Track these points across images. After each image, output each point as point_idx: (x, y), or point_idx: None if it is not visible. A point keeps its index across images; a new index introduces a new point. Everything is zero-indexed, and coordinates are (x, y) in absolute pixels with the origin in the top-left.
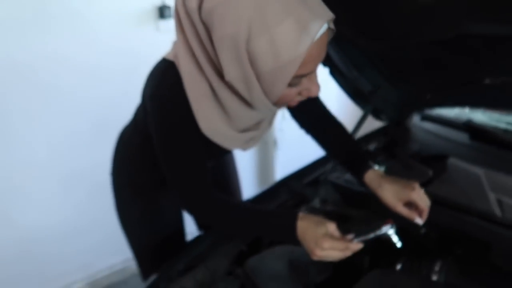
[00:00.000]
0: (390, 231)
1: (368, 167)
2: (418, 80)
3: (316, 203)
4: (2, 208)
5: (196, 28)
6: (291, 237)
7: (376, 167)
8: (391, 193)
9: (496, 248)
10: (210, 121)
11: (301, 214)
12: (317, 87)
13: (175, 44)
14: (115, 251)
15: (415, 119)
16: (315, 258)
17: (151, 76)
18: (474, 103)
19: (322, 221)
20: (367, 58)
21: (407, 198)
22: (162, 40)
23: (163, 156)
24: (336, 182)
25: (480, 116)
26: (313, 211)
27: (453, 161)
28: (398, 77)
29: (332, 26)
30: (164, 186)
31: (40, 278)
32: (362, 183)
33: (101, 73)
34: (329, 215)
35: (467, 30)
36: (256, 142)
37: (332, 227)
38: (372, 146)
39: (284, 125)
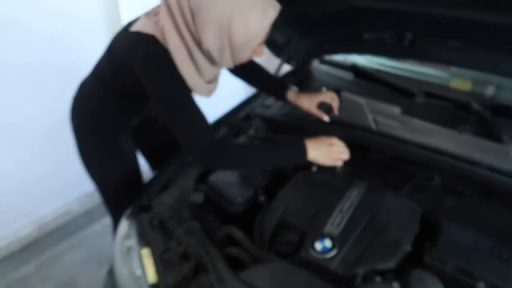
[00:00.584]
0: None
1: (287, 89)
2: (319, 34)
3: (251, 131)
4: None
5: (184, 13)
6: (303, 154)
7: (293, 87)
8: (306, 100)
9: (373, 149)
10: (191, 77)
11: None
12: (263, 50)
13: (147, 19)
14: (56, 195)
15: (315, 63)
16: (332, 160)
17: (136, 47)
18: (357, 51)
19: (323, 137)
20: (282, 17)
21: (318, 100)
22: None
23: (165, 111)
24: (263, 115)
25: (362, 60)
26: (250, 138)
27: (344, 93)
28: (305, 32)
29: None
30: (123, 131)
31: None
32: (286, 100)
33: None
34: (261, 140)
35: (355, 3)
36: (215, 90)
37: (336, 139)
38: None
39: None
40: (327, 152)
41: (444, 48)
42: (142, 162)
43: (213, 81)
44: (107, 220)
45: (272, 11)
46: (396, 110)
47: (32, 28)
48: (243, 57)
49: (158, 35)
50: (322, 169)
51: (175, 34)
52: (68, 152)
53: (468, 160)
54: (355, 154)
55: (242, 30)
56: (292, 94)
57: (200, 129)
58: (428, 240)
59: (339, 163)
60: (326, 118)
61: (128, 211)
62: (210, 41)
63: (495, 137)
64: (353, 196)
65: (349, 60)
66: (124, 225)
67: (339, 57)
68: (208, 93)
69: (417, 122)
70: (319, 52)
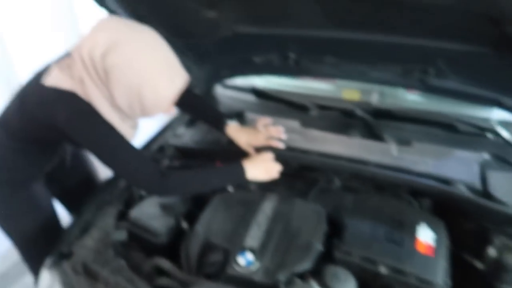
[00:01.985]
0: None
1: (225, 124)
2: (214, 61)
3: (166, 162)
4: None
5: (98, 72)
6: (242, 174)
7: (231, 122)
8: (244, 141)
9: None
10: (117, 124)
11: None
12: (173, 109)
13: (61, 74)
14: None
15: (218, 88)
16: (273, 175)
17: (57, 103)
18: (251, 73)
19: (254, 156)
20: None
21: (255, 144)
22: None
23: (106, 158)
24: (176, 144)
25: (261, 81)
26: (167, 168)
27: (248, 114)
28: (201, 60)
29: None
30: (35, 179)
31: None
32: (224, 134)
33: None
34: (178, 169)
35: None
36: (135, 133)
37: (269, 154)
38: None
39: None
40: (265, 168)
41: (322, 63)
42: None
43: (134, 126)
44: (26, 279)
45: (179, 80)
46: (295, 124)
47: None
48: (153, 115)
49: (77, 89)
50: (237, 187)
51: (95, 89)
52: None
53: (359, 160)
54: None
55: (150, 96)
56: (230, 129)
57: (142, 163)
58: (335, 237)
59: (275, 175)
60: (283, 135)
61: (48, 261)
62: (120, 101)
63: (378, 137)
64: (267, 208)
65: (249, 82)
66: (46, 276)
67: (240, 80)
68: (132, 136)
69: (313, 133)
70: (218, 78)
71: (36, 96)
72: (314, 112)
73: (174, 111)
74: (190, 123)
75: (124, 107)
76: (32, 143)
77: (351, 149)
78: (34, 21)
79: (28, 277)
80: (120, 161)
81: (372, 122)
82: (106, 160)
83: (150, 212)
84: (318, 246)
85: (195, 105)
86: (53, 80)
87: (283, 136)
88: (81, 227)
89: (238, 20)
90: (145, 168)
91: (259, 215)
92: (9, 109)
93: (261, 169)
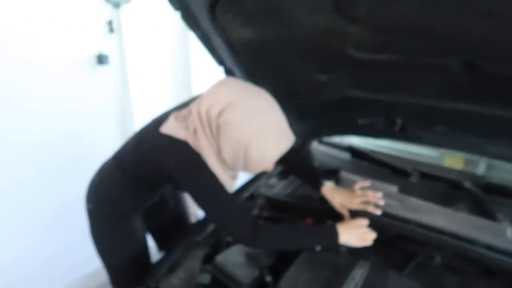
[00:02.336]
0: None
1: (322, 184)
2: (317, 120)
3: (255, 211)
4: None
5: (211, 126)
6: (335, 237)
7: (327, 182)
8: (338, 202)
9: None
10: (220, 175)
11: None
12: (273, 166)
13: (177, 123)
14: (58, 276)
15: (314, 144)
16: (365, 242)
17: (168, 150)
18: (353, 134)
19: (350, 220)
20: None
21: (349, 207)
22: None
23: (206, 205)
24: (267, 194)
25: (358, 140)
26: (255, 217)
27: (342, 173)
28: (304, 118)
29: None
30: (136, 213)
31: None
32: (319, 194)
33: (45, 115)
34: (266, 219)
35: (347, 94)
36: (236, 181)
37: (364, 220)
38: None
39: None
40: (358, 234)
41: (432, 132)
42: (150, 242)
43: (234, 177)
44: None
45: (286, 142)
46: (393, 189)
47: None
48: (254, 172)
49: (189, 140)
50: (325, 249)
51: (206, 141)
52: (71, 234)
53: (467, 239)
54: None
55: (256, 153)
56: (326, 188)
57: (237, 214)
58: None
59: (368, 243)
60: (381, 201)
61: None
62: (227, 154)
63: (489, 216)
64: (358, 276)
65: (346, 140)
66: None
67: (336, 138)
68: (230, 187)
69: (414, 201)
70: (317, 134)
71: (152, 140)
72: (414, 179)
73: (272, 168)
74: (283, 175)
75: (229, 160)
76: (139, 182)
77: (456, 224)
78: (154, 76)
79: None
80: (218, 210)
81: (482, 197)
82: (204, 207)
83: (236, 260)
84: None
85: (293, 160)
86: (169, 128)
87: (381, 202)
88: (169, 265)
89: (349, 85)
90: (240, 219)
91: (349, 282)
92: (125, 148)
93: (355, 234)
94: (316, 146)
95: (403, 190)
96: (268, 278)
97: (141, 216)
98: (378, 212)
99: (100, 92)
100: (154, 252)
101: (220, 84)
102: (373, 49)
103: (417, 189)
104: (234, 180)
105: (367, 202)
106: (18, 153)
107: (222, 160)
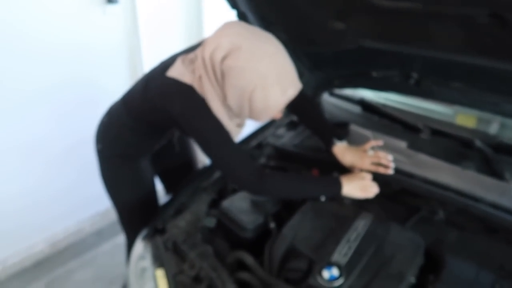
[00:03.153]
0: None
1: (333, 143)
2: (330, 70)
3: (262, 160)
4: None
5: (215, 72)
6: (338, 188)
7: (339, 142)
8: (348, 162)
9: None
10: (225, 122)
11: None
12: (282, 114)
13: (183, 67)
14: (69, 213)
15: (325, 95)
16: (367, 194)
17: (175, 95)
18: (366, 86)
19: (354, 173)
20: (294, 53)
21: (359, 167)
22: (108, 23)
23: (210, 151)
24: (275, 144)
25: (369, 94)
26: (262, 166)
27: (352, 126)
28: (316, 68)
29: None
30: (143, 155)
31: (1, 242)
32: (330, 153)
33: (54, 55)
34: (273, 168)
35: (364, 44)
36: (242, 129)
37: (368, 174)
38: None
39: None
40: (361, 186)
41: (448, 88)
42: (158, 185)
43: (241, 125)
44: (118, 240)
45: (292, 90)
46: (402, 144)
47: (57, 53)
48: (260, 120)
49: (195, 84)
50: (329, 199)
51: (211, 87)
52: (82, 172)
53: (471, 196)
54: None
55: (261, 101)
56: (338, 148)
57: (242, 161)
58: (431, 272)
59: (371, 195)
60: (390, 171)
61: (143, 233)
62: (232, 101)
63: (497, 175)
64: (360, 227)
65: (357, 93)
66: (139, 246)
67: (347, 91)
68: (236, 135)
69: (422, 157)
70: (329, 86)
71: (158, 84)
72: (425, 135)
73: (281, 116)
74: (292, 125)
75: (234, 107)
76: (147, 124)
77: (463, 181)
78: (165, 17)
79: (120, 238)
80: (222, 157)
81: (492, 156)
82: (210, 153)
83: (241, 206)
84: (411, 279)
85: (306, 111)
86: (176, 72)
87: (391, 165)
88: (176, 208)
89: (366, 34)
90: (245, 167)
91: (351, 231)
92: (133, 90)
93: (357, 186)
94: (326, 98)
95: (413, 146)
96: (272, 225)
97: (149, 159)
98: (390, 172)
99: (110, 31)
100: (162, 195)
101: (224, 27)
102: None
103: (426, 146)
104: (241, 128)
105: (378, 163)
106: (30, 93)
107: (227, 107)
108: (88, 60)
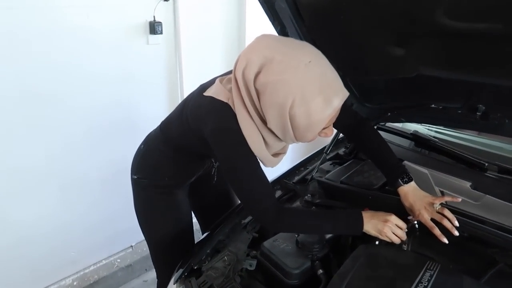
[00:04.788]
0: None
1: (400, 184)
2: (382, 101)
3: (307, 197)
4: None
5: (250, 92)
6: (360, 226)
7: (404, 185)
8: (410, 206)
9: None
10: (258, 150)
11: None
12: (332, 131)
13: (221, 86)
14: (100, 247)
15: None
16: (383, 236)
17: (208, 113)
18: (421, 120)
19: (382, 212)
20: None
21: (417, 217)
22: (150, 52)
23: (233, 179)
24: (320, 180)
25: (420, 127)
26: (306, 203)
27: (406, 163)
28: (366, 98)
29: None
30: (180, 187)
31: (33, 275)
32: (394, 187)
33: (97, 82)
34: (318, 206)
35: (424, 72)
36: (281, 160)
37: (394, 216)
38: (341, 149)
39: None
40: (380, 227)
41: None
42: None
43: (280, 153)
44: (147, 276)
45: (338, 100)
46: (465, 184)
47: (99, 86)
48: (307, 140)
49: (231, 103)
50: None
51: (243, 109)
52: (117, 205)
53: None
54: (422, 229)
55: (303, 116)
56: (404, 188)
57: (264, 194)
58: None
59: (394, 239)
60: (445, 240)
61: (178, 273)
62: (273, 124)
63: None
64: (425, 279)
65: (407, 126)
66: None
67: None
68: (274, 164)
69: (490, 200)
70: (380, 119)
71: (194, 105)
72: (491, 174)
73: (332, 134)
74: (339, 159)
75: (277, 130)
76: (184, 152)
77: None
78: (206, 43)
79: (148, 275)
80: (244, 186)
81: None
82: (232, 181)
83: (285, 247)
84: None
85: (369, 139)
86: (213, 91)
87: (456, 224)
88: (213, 247)
89: (428, 61)
90: (265, 199)
91: (415, 285)
92: (171, 116)
93: (377, 227)
94: None
95: (478, 186)
96: (320, 271)
97: (186, 192)
98: (455, 233)
99: (152, 61)
100: (198, 232)
101: (253, 42)
102: (470, 16)
103: (494, 186)
104: (278, 158)
105: (442, 214)
106: (70, 116)
107: (269, 133)
108: (131, 88)
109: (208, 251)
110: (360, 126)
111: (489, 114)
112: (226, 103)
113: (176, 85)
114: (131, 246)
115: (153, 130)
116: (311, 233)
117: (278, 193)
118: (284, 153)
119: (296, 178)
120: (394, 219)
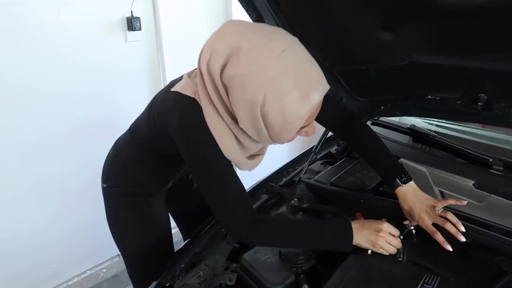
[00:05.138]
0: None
1: (398, 185)
2: (374, 94)
3: (294, 201)
4: None
5: (217, 86)
6: (349, 241)
7: (403, 185)
8: (408, 209)
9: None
10: (230, 152)
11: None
12: (313, 129)
13: (189, 80)
14: (84, 257)
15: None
16: (377, 248)
17: (173, 109)
18: (417, 113)
19: (373, 220)
20: (332, 75)
21: (417, 222)
22: (129, 50)
23: (203, 184)
24: (309, 182)
25: (418, 120)
26: (292, 208)
27: (402, 161)
28: (357, 91)
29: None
30: (155, 194)
31: (16, 286)
32: (391, 188)
33: (73, 81)
34: (305, 212)
35: (418, 59)
36: (260, 162)
37: (386, 224)
38: (333, 147)
39: None
40: (372, 238)
41: None
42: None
43: (258, 154)
44: None
45: (316, 95)
46: (467, 183)
47: (75, 85)
48: (284, 140)
49: (198, 98)
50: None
51: (209, 106)
52: (99, 211)
53: None
54: (419, 236)
55: (277, 114)
56: (403, 189)
57: (236, 202)
58: None
59: (389, 251)
60: (448, 247)
61: None
62: (244, 123)
63: None
64: None
65: (404, 120)
66: None
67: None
68: (250, 168)
69: (496, 200)
70: (372, 114)
71: (161, 101)
72: (497, 171)
73: (314, 132)
74: (329, 158)
75: (249, 130)
76: (155, 155)
77: None
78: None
79: None
80: (212, 191)
81: None
82: (200, 187)
83: (267, 261)
84: None
85: (361, 137)
86: (179, 85)
87: (461, 229)
88: (188, 261)
89: (422, 46)
90: (237, 208)
91: None
92: (140, 117)
93: (369, 238)
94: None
95: (482, 185)
96: (305, 287)
97: (163, 199)
98: (462, 239)
99: (132, 59)
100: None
101: (219, 29)
102: None
103: (500, 184)
104: (254, 160)
105: (445, 217)
106: (45, 115)
107: (242, 132)
108: (110, 92)
109: (183, 265)
110: (350, 122)
111: (492, 104)
112: (193, 98)
113: (159, 83)
114: (118, 255)
115: (123, 134)
116: (291, 247)
117: (264, 198)
118: (263, 154)
119: (284, 180)
120: (387, 227)
